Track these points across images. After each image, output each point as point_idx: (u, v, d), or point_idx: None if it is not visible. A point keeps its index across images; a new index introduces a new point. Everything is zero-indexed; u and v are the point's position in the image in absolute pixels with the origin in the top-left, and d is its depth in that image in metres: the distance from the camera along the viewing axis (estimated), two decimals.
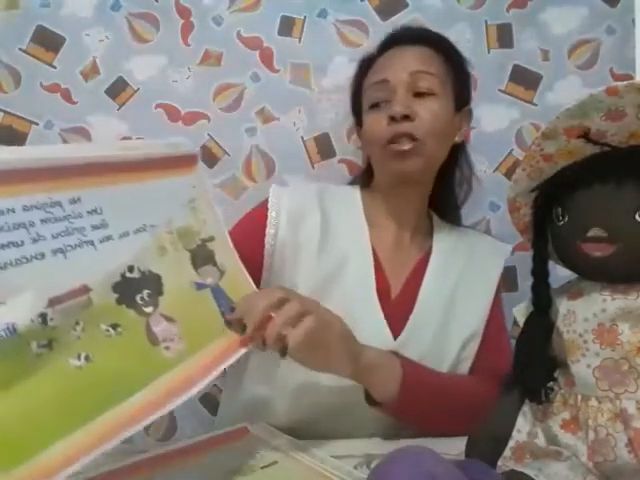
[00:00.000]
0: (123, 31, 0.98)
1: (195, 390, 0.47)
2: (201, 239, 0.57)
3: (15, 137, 0.95)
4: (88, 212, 0.46)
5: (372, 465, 0.55)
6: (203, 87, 0.99)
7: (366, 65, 0.79)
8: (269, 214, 0.73)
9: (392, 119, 0.69)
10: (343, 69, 0.99)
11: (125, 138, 0.97)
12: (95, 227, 0.46)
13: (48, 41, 0.96)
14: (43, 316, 0.39)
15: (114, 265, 0.47)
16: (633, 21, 1.01)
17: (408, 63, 0.72)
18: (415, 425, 0.63)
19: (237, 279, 0.60)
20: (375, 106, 0.73)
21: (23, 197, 0.41)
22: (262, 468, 0.53)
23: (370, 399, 0.62)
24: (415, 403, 0.62)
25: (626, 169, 0.45)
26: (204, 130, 0.99)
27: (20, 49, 0.96)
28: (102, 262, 0.45)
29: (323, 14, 1.00)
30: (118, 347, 0.44)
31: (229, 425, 0.65)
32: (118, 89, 0.97)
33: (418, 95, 0.71)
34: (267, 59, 1.00)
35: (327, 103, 1.00)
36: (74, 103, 0.97)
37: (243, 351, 0.54)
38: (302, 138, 1.01)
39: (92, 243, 0.45)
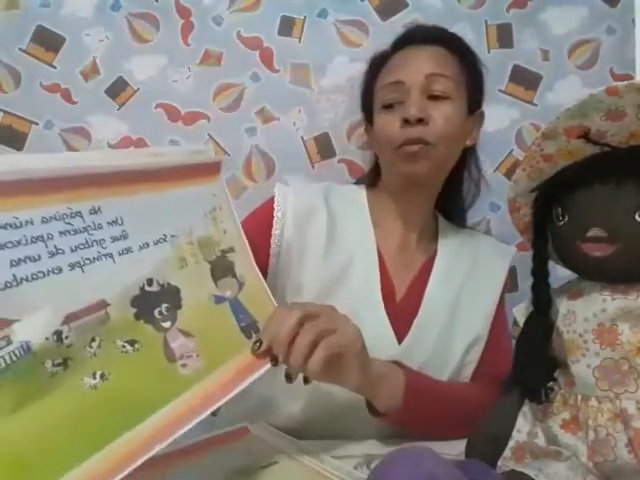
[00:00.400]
0: (123, 31, 0.98)
1: (213, 408, 0.45)
2: (221, 250, 0.55)
3: (15, 137, 0.95)
4: (108, 223, 0.44)
5: (372, 465, 0.55)
6: (203, 87, 0.99)
7: (379, 63, 0.77)
8: (275, 214, 0.72)
9: (406, 122, 0.68)
10: (343, 69, 1.00)
11: (125, 138, 0.98)
12: (115, 239, 0.44)
13: (48, 41, 0.96)
14: (58, 334, 0.38)
15: (133, 278, 0.45)
16: (633, 21, 1.01)
17: (423, 64, 0.70)
18: (417, 433, 0.63)
19: (256, 291, 0.58)
20: (388, 107, 0.72)
21: (42, 208, 0.40)
22: (262, 468, 0.53)
23: (372, 409, 0.62)
24: (418, 412, 0.61)
25: (626, 169, 0.45)
26: (204, 130, 0.99)
27: (20, 49, 0.95)
28: (121, 275, 0.44)
29: (323, 14, 1.00)
30: (135, 364, 0.43)
31: (229, 425, 0.65)
32: (118, 89, 0.97)
33: (432, 98, 0.69)
34: (267, 59, 1.00)
35: (327, 103, 1.00)
36: (74, 103, 0.97)
37: (266, 368, 0.51)
38: (302, 138, 1.01)
39: (111, 255, 0.43)
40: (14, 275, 0.37)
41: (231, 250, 0.57)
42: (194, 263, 0.51)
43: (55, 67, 0.96)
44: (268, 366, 0.51)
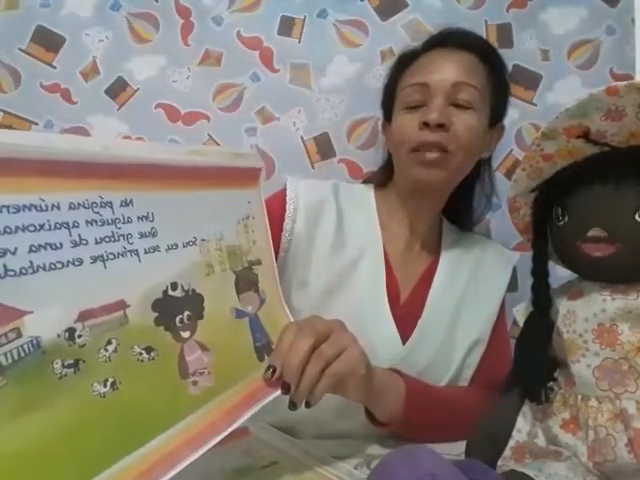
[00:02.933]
0: (123, 31, 0.97)
1: (218, 439, 0.43)
2: (248, 261, 0.53)
3: None
4: (139, 217, 0.41)
5: (372, 465, 0.55)
6: (203, 87, 0.99)
7: (406, 61, 0.75)
8: (287, 207, 0.72)
9: (425, 125, 0.67)
10: (343, 69, 1.00)
11: (125, 138, 0.97)
12: (143, 235, 0.41)
13: (48, 41, 0.96)
14: (71, 331, 0.35)
15: (157, 280, 0.42)
16: (633, 21, 1.01)
17: (452, 71, 0.68)
18: (417, 440, 0.63)
19: (275, 309, 0.56)
20: (409, 108, 0.70)
21: (72, 193, 0.36)
22: (262, 468, 0.53)
23: (373, 419, 0.61)
24: (418, 419, 0.61)
25: (626, 169, 0.45)
26: (204, 130, 0.99)
27: (20, 49, 0.95)
28: (145, 275, 0.41)
29: (323, 14, 1.00)
30: (147, 376, 0.39)
31: None
32: (118, 89, 0.97)
33: (455, 105, 0.68)
34: (267, 59, 1.00)
35: (327, 103, 1.00)
36: (74, 103, 0.97)
37: (275, 394, 0.49)
38: (302, 138, 1.01)
39: (137, 253, 0.40)
40: (31, 262, 0.33)
41: (258, 263, 0.54)
42: (220, 271, 0.49)
43: (55, 67, 0.96)
44: (277, 393, 0.49)
